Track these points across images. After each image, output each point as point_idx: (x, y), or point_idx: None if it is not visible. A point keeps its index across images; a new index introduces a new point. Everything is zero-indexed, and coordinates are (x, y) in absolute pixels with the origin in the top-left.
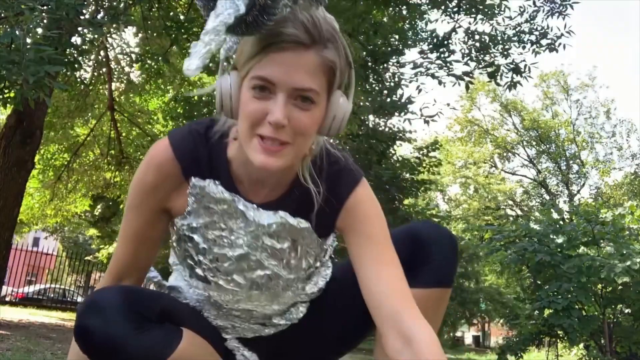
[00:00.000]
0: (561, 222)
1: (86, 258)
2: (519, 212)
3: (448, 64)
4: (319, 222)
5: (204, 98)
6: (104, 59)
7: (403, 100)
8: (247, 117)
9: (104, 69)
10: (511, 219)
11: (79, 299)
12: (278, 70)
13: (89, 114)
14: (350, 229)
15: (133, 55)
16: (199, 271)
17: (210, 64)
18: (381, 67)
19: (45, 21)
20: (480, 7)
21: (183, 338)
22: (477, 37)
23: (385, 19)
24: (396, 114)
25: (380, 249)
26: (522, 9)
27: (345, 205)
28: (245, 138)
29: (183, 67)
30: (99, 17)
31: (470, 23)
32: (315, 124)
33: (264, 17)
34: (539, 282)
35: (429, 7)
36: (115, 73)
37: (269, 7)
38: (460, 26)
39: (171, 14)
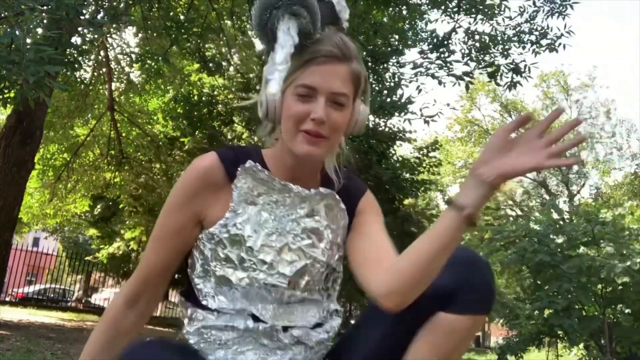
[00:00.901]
0: (561, 222)
1: (86, 258)
2: (519, 212)
3: (448, 64)
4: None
5: (204, 98)
6: (104, 59)
7: (403, 100)
8: (292, 116)
9: (104, 69)
10: (511, 219)
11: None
12: (319, 79)
13: (89, 114)
14: (366, 212)
15: (133, 55)
16: (241, 274)
17: (210, 64)
18: (381, 67)
19: (45, 21)
20: (480, 7)
21: None
22: (477, 37)
23: (385, 19)
24: (396, 114)
25: (384, 229)
26: (522, 9)
27: (364, 196)
28: (290, 134)
29: (268, 92)
30: (99, 17)
31: (470, 23)
32: (346, 123)
33: (306, 41)
34: (539, 282)
35: (429, 7)
36: (115, 73)
37: (311, 34)
38: (460, 26)
39: (171, 14)
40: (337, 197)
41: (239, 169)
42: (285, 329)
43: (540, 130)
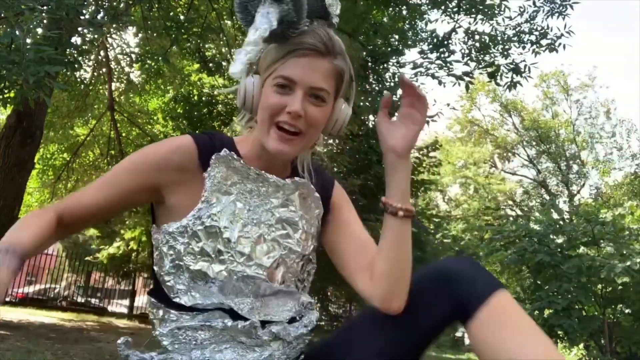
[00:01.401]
0: (561, 222)
1: (86, 258)
2: (519, 212)
3: (448, 64)
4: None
5: (204, 98)
6: (104, 59)
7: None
8: (268, 108)
9: (104, 69)
10: (511, 219)
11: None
12: (298, 71)
13: (89, 114)
14: (340, 206)
15: (133, 55)
16: (218, 267)
17: (210, 64)
18: (381, 67)
19: (45, 21)
20: (480, 7)
21: None
22: (477, 37)
23: (385, 19)
24: (396, 114)
25: (359, 219)
26: (522, 9)
27: (335, 187)
28: (264, 127)
29: (229, 71)
30: (99, 17)
31: (470, 23)
32: (324, 120)
33: (290, 31)
34: (539, 282)
35: (429, 7)
36: (115, 73)
37: (294, 23)
38: (460, 26)
39: (171, 14)
40: (311, 186)
41: (213, 157)
42: (264, 325)
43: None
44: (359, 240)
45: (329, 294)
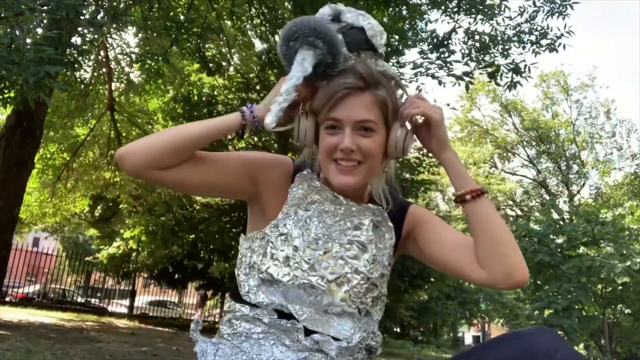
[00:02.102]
0: (561, 222)
1: (86, 258)
2: (519, 212)
3: (448, 64)
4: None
5: (204, 98)
6: (104, 59)
7: (403, 101)
8: (324, 149)
9: (104, 69)
10: (511, 219)
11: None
12: (342, 111)
13: (89, 114)
14: (420, 223)
15: (133, 55)
16: (284, 271)
17: (210, 64)
18: None
19: (45, 21)
20: (480, 7)
21: None
22: (477, 37)
23: (385, 19)
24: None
25: (447, 226)
26: (522, 9)
27: (408, 211)
28: (325, 166)
29: (264, 122)
30: (99, 17)
31: (470, 23)
32: (379, 147)
33: (329, 71)
34: (539, 282)
35: (429, 7)
36: (115, 73)
37: (332, 64)
38: (460, 26)
39: (171, 14)
40: (385, 214)
41: (297, 175)
42: (309, 333)
43: None
44: (455, 241)
45: None
